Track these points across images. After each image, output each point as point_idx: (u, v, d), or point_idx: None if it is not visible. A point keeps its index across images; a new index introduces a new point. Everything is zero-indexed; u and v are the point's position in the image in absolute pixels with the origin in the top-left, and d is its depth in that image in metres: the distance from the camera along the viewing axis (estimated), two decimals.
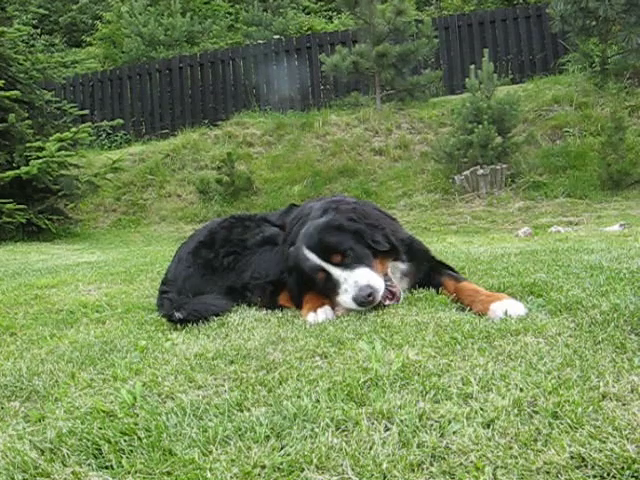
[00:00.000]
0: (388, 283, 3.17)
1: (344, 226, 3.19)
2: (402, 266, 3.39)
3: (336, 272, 3.10)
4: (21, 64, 13.92)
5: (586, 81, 14.48)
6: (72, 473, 1.70)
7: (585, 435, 1.62)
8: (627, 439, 1.59)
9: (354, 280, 3.04)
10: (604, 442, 1.59)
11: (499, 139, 12.19)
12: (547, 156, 12.92)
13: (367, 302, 3.01)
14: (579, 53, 14.77)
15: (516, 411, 1.77)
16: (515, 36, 17.18)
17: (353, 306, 3.05)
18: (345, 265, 3.09)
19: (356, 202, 3.63)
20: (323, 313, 3.05)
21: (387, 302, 3.11)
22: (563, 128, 13.54)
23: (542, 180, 12.39)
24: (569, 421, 1.69)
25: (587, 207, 11.06)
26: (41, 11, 20.15)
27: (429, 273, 3.47)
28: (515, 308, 2.79)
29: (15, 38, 14.08)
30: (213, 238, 3.81)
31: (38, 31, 22.98)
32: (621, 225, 8.20)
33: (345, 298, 3.07)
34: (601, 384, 1.90)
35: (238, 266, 3.62)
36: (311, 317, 3.03)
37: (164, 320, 3.33)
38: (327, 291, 3.18)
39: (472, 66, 13.07)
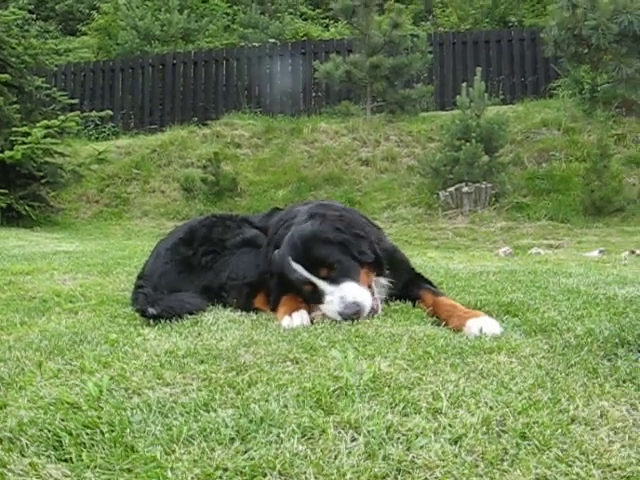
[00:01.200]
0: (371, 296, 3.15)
1: (330, 238, 3.15)
2: (382, 278, 3.38)
3: (322, 285, 3.08)
4: (13, 48, 13.79)
5: (575, 107, 14.59)
6: (30, 464, 1.66)
7: (552, 458, 1.62)
8: (594, 464, 1.59)
9: (340, 295, 3.03)
10: (570, 466, 1.58)
11: (486, 158, 12.25)
12: (532, 178, 13.00)
13: (353, 318, 3.00)
14: (570, 79, 14.88)
15: (484, 429, 1.76)
16: (508, 57, 17.31)
17: (337, 318, 3.03)
18: (332, 279, 3.07)
19: (343, 208, 3.62)
20: (299, 318, 3.02)
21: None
22: (549, 152, 13.62)
23: (526, 202, 12.46)
24: (537, 443, 1.68)
25: (568, 231, 11.13)
26: None
27: (407, 285, 3.48)
28: (491, 326, 2.79)
29: (10, 22, 13.96)
30: (193, 236, 3.77)
31: (33, 16, 22.78)
32: (600, 251, 8.25)
33: (331, 309, 3.06)
34: (571, 407, 1.90)
35: (216, 266, 3.59)
36: (286, 321, 3.01)
37: (137, 315, 3.29)
38: (313, 300, 3.17)
39: (464, 84, 13.14)
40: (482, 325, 2.78)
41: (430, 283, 3.56)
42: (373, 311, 3.12)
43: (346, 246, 3.15)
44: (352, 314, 2.99)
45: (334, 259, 3.09)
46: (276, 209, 4.08)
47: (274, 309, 3.31)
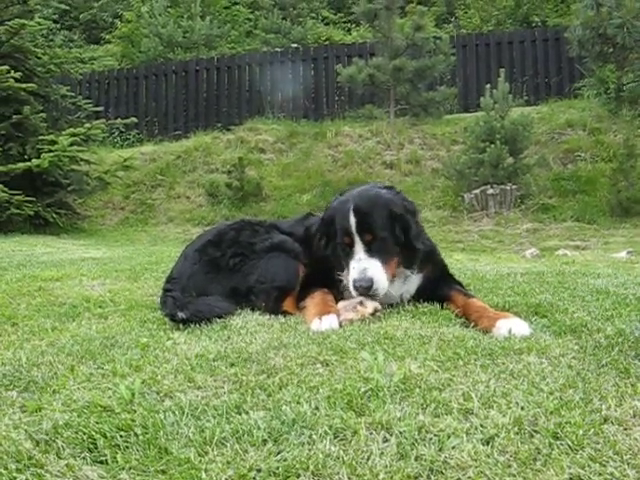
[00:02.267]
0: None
1: (394, 212, 3.31)
2: (411, 272, 3.45)
3: (358, 248, 3.22)
4: (39, 57, 13.95)
5: (600, 107, 14.48)
6: (66, 465, 1.68)
7: (585, 457, 1.61)
8: (628, 464, 1.58)
9: (364, 267, 3.17)
10: (604, 465, 1.57)
11: (510, 159, 12.19)
12: (557, 179, 12.91)
13: (363, 292, 3.15)
14: (595, 79, 14.77)
15: (516, 429, 1.76)
16: (532, 58, 17.18)
17: (351, 287, 3.20)
18: (368, 249, 3.21)
19: None
20: (328, 322, 3.03)
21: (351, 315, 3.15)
22: (575, 152, 13.53)
23: (551, 203, 12.38)
24: (569, 442, 1.67)
25: (595, 232, 11.03)
26: (62, 6, 20.19)
27: (439, 284, 3.51)
28: (520, 327, 2.79)
29: (35, 32, 14.13)
30: (221, 238, 3.80)
31: (58, 26, 23.07)
32: (628, 252, 8.17)
33: (349, 276, 3.22)
34: (603, 407, 1.89)
35: (244, 268, 3.60)
36: (315, 324, 3.02)
37: (167, 319, 3.32)
38: (337, 256, 3.35)
39: (487, 85, 13.10)
40: (511, 326, 2.78)
41: (461, 285, 3.59)
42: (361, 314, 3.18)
43: (403, 226, 3.29)
44: (364, 288, 3.13)
45: (384, 234, 3.23)
46: (310, 214, 4.12)
47: (304, 286, 3.48)
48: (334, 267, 3.43)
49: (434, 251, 3.65)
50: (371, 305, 3.17)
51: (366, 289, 3.12)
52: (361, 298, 3.18)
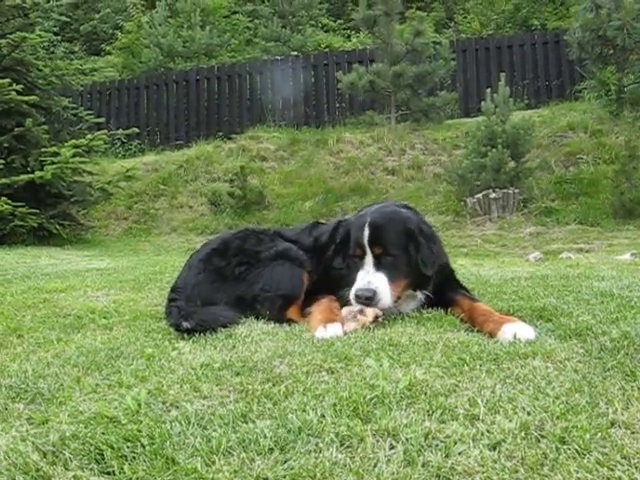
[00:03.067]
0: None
1: (411, 231, 3.32)
2: (420, 293, 3.47)
3: (368, 260, 3.24)
4: (40, 70, 13.99)
5: (601, 109, 14.47)
6: (73, 477, 1.69)
7: (593, 462, 1.61)
8: (636, 468, 1.58)
9: (369, 280, 3.18)
10: (612, 470, 1.57)
11: (512, 163, 12.19)
12: (560, 182, 12.90)
13: (364, 302, 3.15)
14: (595, 81, 14.77)
15: (523, 434, 1.76)
16: (532, 61, 17.19)
17: (352, 296, 3.20)
18: (378, 263, 3.23)
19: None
20: (333, 329, 3.03)
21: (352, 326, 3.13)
22: (577, 155, 13.51)
23: (554, 206, 12.36)
24: (577, 447, 1.67)
25: (599, 235, 11.01)
26: (63, 19, 20.25)
27: (445, 289, 3.52)
28: (525, 332, 2.79)
29: (36, 44, 14.17)
30: (226, 247, 3.80)
31: (59, 38, 23.10)
32: (632, 254, 8.15)
33: (355, 286, 3.22)
34: (610, 411, 1.88)
35: (249, 277, 3.60)
36: (320, 332, 3.02)
37: (171, 329, 3.32)
38: (347, 268, 3.36)
39: (488, 90, 13.09)
40: (516, 330, 2.78)
41: (467, 290, 3.61)
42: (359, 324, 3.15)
43: (416, 248, 3.29)
44: (365, 297, 3.14)
45: (395, 251, 3.25)
46: (317, 223, 4.13)
47: (311, 295, 3.48)
48: (342, 279, 3.42)
49: (447, 268, 3.65)
50: (371, 312, 3.15)
51: (367, 299, 3.12)
52: (361, 306, 3.17)
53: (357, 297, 3.16)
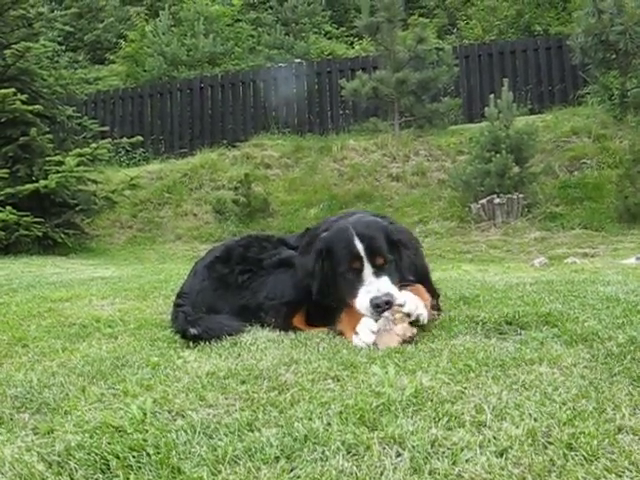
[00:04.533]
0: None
1: (394, 239, 3.29)
2: None
3: (368, 271, 3.16)
4: (45, 79, 14.06)
5: (605, 113, 14.45)
6: None
7: (600, 468, 1.60)
8: None
9: (377, 287, 3.09)
10: (620, 476, 1.56)
11: (516, 169, 12.18)
12: (564, 187, 12.87)
13: (382, 308, 3.01)
14: (599, 85, 14.75)
15: (530, 441, 1.75)
16: (535, 67, 17.18)
17: (367, 308, 3.06)
18: (379, 271, 3.16)
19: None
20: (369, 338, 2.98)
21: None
22: (581, 159, 13.49)
23: (559, 211, 12.34)
24: (584, 453, 1.66)
25: (603, 239, 10.98)
26: (67, 28, 20.37)
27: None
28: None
29: (40, 54, 14.25)
30: (230, 254, 3.80)
31: (63, 48, 23.18)
32: (638, 258, 8.13)
33: (363, 299, 3.09)
34: (617, 417, 1.88)
35: (253, 285, 3.60)
36: (357, 339, 3.00)
37: (177, 336, 3.32)
38: (347, 287, 3.20)
39: (491, 95, 13.09)
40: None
41: (435, 295, 3.56)
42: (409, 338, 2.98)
43: (400, 256, 3.26)
44: (385, 302, 3.01)
45: (390, 258, 3.21)
46: (308, 230, 4.10)
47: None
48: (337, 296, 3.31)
49: (425, 275, 3.58)
50: (409, 330, 2.97)
51: (387, 303, 3.00)
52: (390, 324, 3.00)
53: (377, 305, 3.03)
